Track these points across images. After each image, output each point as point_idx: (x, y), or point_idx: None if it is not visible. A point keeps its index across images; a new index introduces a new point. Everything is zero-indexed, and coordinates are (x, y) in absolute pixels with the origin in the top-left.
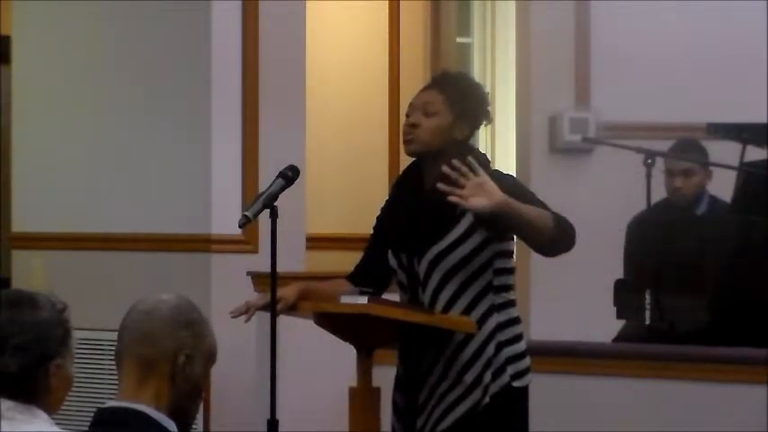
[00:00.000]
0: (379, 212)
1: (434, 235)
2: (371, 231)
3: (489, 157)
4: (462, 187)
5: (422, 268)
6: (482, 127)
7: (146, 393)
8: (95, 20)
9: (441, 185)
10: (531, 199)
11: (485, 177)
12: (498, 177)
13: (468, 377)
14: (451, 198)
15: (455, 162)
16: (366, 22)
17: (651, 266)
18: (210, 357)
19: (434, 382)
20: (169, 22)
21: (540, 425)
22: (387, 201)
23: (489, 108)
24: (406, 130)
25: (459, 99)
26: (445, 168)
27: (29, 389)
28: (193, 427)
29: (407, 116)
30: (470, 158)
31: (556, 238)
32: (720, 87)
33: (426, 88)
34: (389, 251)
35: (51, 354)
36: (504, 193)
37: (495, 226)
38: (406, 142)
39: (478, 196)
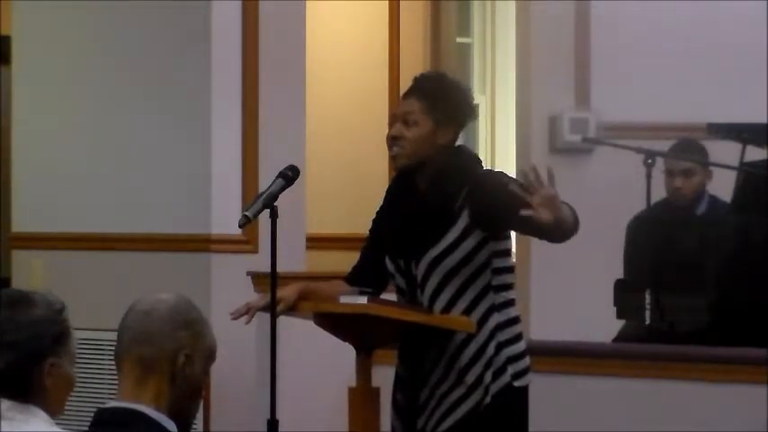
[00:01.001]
0: (375, 215)
1: (431, 238)
2: (368, 233)
3: (489, 157)
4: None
5: (420, 271)
6: (471, 124)
7: (146, 393)
8: (95, 20)
9: (516, 188)
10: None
11: (554, 190)
12: (490, 176)
13: (469, 377)
14: (524, 211)
15: (529, 170)
16: (366, 22)
17: (651, 266)
18: (210, 357)
19: (435, 382)
20: (169, 23)
21: (540, 425)
22: (381, 206)
23: (473, 104)
24: (389, 143)
25: (439, 104)
26: (526, 173)
27: (22, 387)
28: (193, 427)
29: (390, 126)
30: (537, 169)
31: (570, 228)
32: (720, 87)
33: (405, 96)
34: (387, 257)
35: (44, 352)
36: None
37: (491, 225)
38: (392, 157)
39: (546, 208)
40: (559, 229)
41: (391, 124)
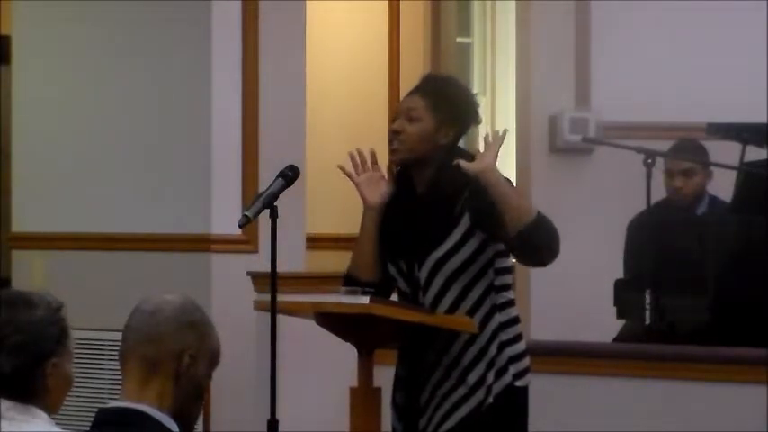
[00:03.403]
0: None
1: (433, 240)
2: None
3: None
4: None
5: (422, 274)
6: (472, 129)
7: (149, 393)
8: (95, 20)
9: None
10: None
11: (492, 153)
12: None
13: (471, 377)
14: (461, 162)
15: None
16: (366, 22)
17: (651, 266)
18: (214, 358)
19: (436, 382)
20: (169, 23)
21: (540, 425)
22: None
23: (477, 109)
24: (390, 137)
25: (443, 104)
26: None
27: (26, 388)
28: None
29: (392, 122)
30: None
31: (534, 233)
32: (720, 87)
33: (410, 93)
34: (387, 261)
35: (47, 353)
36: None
37: (491, 228)
38: (391, 151)
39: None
40: (526, 228)
41: (394, 119)
